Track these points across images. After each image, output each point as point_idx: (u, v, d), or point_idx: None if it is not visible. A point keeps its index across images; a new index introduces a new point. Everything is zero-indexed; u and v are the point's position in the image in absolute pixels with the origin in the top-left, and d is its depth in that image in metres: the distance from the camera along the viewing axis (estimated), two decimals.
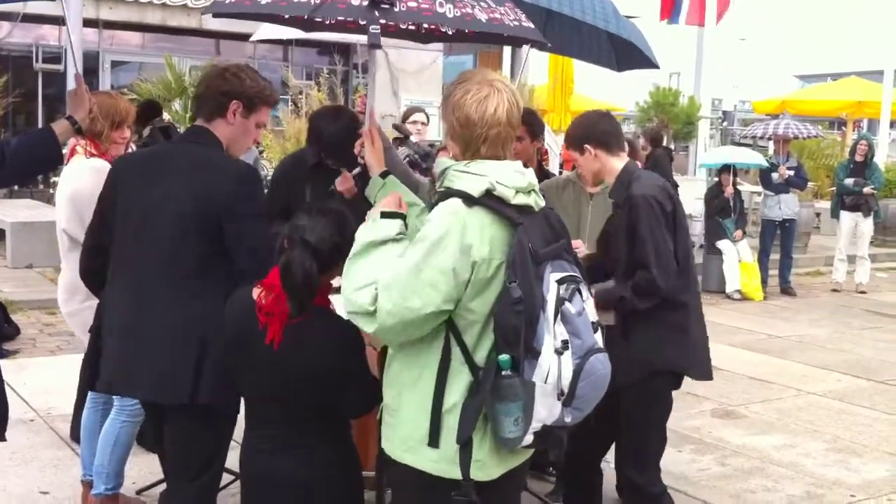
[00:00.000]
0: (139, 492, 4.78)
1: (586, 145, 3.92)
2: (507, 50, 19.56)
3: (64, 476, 5.06)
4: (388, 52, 20.33)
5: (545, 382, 2.44)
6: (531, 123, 4.97)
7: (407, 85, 20.31)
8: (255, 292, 2.88)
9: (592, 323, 2.57)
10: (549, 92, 17.30)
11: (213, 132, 3.32)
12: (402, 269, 2.48)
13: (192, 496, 3.25)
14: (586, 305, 2.58)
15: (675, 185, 11.53)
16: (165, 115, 4.38)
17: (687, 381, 4.05)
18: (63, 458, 5.32)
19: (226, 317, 2.95)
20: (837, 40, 39.58)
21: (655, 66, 5.11)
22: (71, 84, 9.02)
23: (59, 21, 16.67)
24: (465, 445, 2.51)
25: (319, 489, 2.84)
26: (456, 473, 2.54)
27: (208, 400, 3.11)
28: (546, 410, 2.47)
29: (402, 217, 2.69)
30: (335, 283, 2.83)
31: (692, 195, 14.12)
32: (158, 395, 3.23)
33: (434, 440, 2.53)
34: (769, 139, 13.28)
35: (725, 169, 11.98)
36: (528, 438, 2.51)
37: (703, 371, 3.98)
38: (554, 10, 4.50)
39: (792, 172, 11.90)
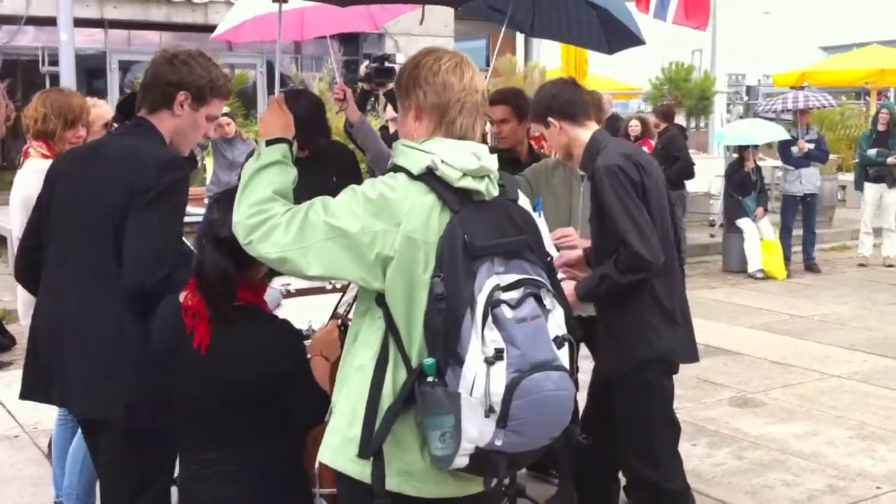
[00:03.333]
0: None
1: (549, 118, 3.64)
2: (520, 34, 19.26)
3: (43, 496, 4.83)
4: (398, 39, 20.08)
5: (470, 395, 2.13)
6: (517, 105, 4.69)
7: None
8: (183, 295, 2.60)
9: (557, 338, 2.24)
10: (563, 74, 17.00)
11: (153, 124, 3.04)
12: (309, 215, 2.29)
13: None
14: (551, 316, 2.25)
15: (692, 164, 11.23)
16: None
17: (704, 369, 3.75)
18: (44, 477, 5.07)
19: (154, 324, 2.68)
20: (861, 10, 38.63)
21: (642, 43, 4.82)
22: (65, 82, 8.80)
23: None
24: (376, 454, 2.24)
25: None
26: (388, 484, 2.27)
27: (142, 423, 2.84)
28: (476, 430, 2.13)
29: (287, 141, 2.53)
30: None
31: (712, 172, 13.77)
32: (84, 408, 2.99)
33: (365, 444, 2.26)
34: (789, 111, 12.84)
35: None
36: (462, 461, 2.18)
37: (690, 353, 3.69)
38: None
39: (812, 145, 11.49)
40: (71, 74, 10.03)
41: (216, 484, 2.60)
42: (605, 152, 3.50)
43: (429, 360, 2.17)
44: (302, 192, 2.50)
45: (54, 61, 16.96)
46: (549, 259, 2.40)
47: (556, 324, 2.26)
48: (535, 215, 4.30)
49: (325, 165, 4.53)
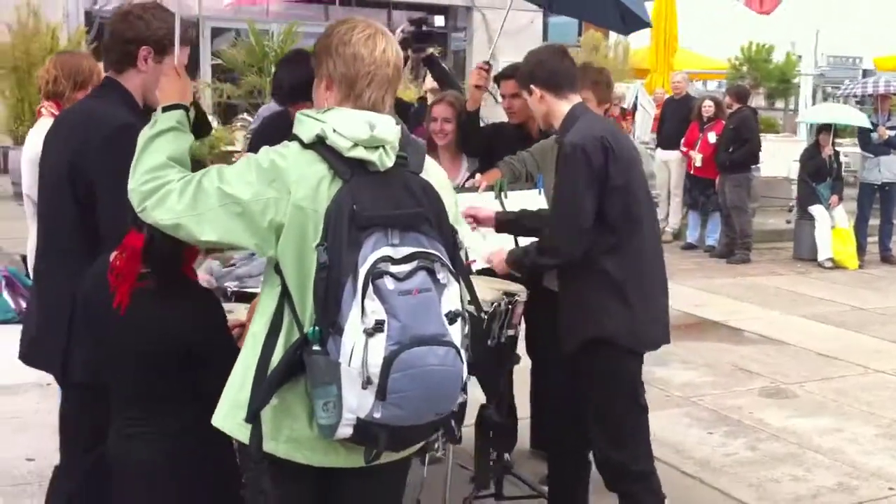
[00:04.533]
0: None
1: (532, 85, 3.58)
2: None
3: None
4: (486, 13, 19.98)
5: (349, 365, 2.12)
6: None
7: (505, 46, 19.69)
8: (113, 254, 2.65)
9: (449, 313, 2.21)
10: (651, 52, 16.74)
11: (122, 84, 3.05)
12: (203, 182, 2.30)
13: (91, 470, 3.04)
14: (446, 290, 2.22)
15: (757, 146, 10.92)
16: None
17: (742, 357, 3.65)
18: None
19: (84, 284, 2.74)
20: None
21: (648, 25, 4.71)
22: None
23: None
24: (255, 419, 2.25)
25: (170, 475, 2.62)
26: (273, 448, 2.29)
27: (82, 378, 2.92)
28: (356, 400, 2.13)
29: (184, 107, 2.53)
30: None
31: (793, 156, 13.35)
32: (32, 360, 3.09)
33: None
34: (868, 97, 12.33)
35: (825, 128, 11.21)
36: (346, 431, 2.17)
37: (644, 341, 3.58)
38: None
39: (893, 133, 11.02)
40: None
41: (138, 443, 2.66)
42: (575, 129, 3.44)
43: (314, 329, 2.18)
44: None
45: None
46: (454, 234, 2.37)
47: (450, 299, 2.23)
48: (535, 192, 4.30)
49: None
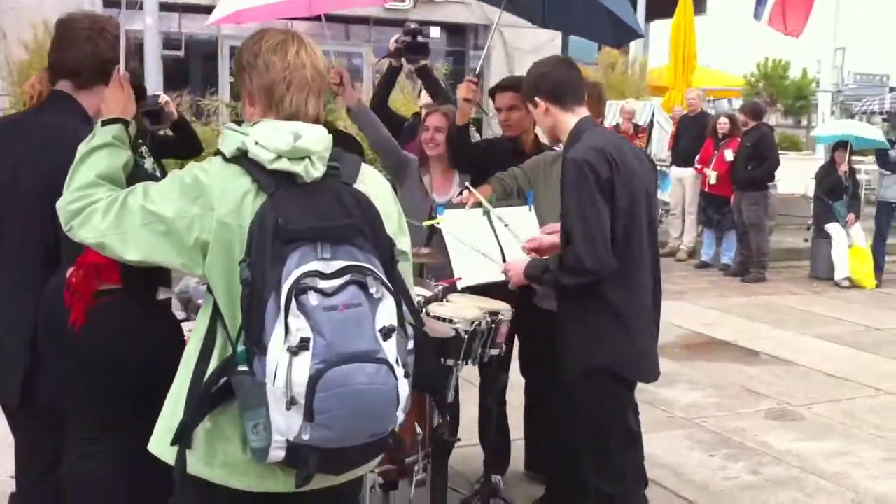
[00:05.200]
0: None
1: (536, 97, 3.47)
2: None
3: None
4: (504, 31, 19.93)
5: (273, 385, 2.04)
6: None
7: (523, 64, 19.63)
8: (70, 270, 2.60)
9: (383, 328, 2.12)
10: (670, 70, 16.65)
11: (77, 101, 3.02)
12: (128, 200, 2.26)
13: (47, 497, 2.99)
14: (381, 305, 2.14)
15: (776, 163, 10.79)
16: (162, 97, 4.00)
17: (750, 377, 3.55)
18: None
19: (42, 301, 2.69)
20: None
21: (640, 36, 4.62)
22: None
23: (177, 8, 17.03)
24: (182, 442, 2.19)
25: (128, 495, 2.57)
26: (208, 473, 2.22)
27: (45, 403, 2.85)
28: (283, 421, 2.05)
29: (124, 122, 2.52)
30: None
31: (811, 174, 13.19)
32: None
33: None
34: (886, 113, 12.15)
35: (841, 145, 11.05)
36: (278, 454, 2.09)
37: (643, 371, 3.48)
38: None
39: None
40: (155, 58, 10.29)
41: (96, 463, 2.61)
42: (580, 142, 3.33)
43: (241, 348, 2.11)
44: None
45: (170, 45, 17.57)
46: (390, 246, 2.29)
47: (385, 314, 2.14)
48: (525, 209, 4.21)
49: None
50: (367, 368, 2.07)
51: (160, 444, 2.29)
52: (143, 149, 3.39)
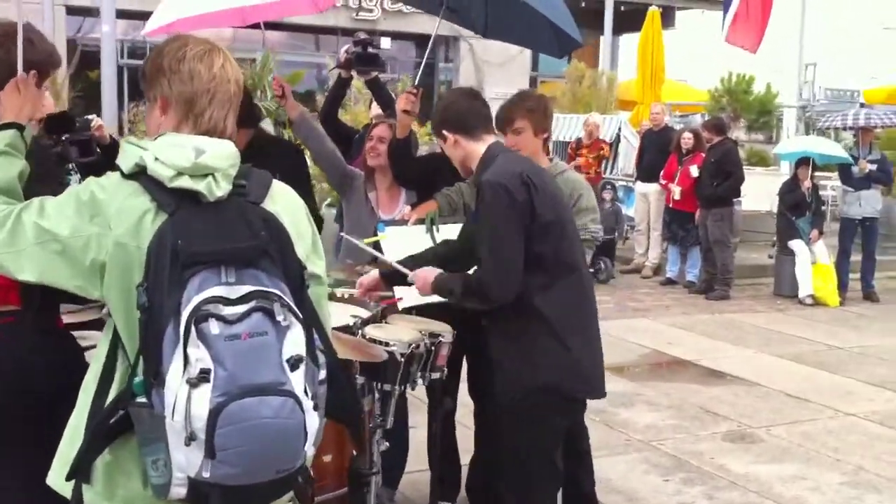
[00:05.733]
0: None
1: (443, 130, 3.40)
2: (605, 42, 18.88)
3: None
4: (473, 44, 19.89)
5: (172, 419, 1.88)
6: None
7: (493, 76, 19.71)
8: None
9: (290, 358, 1.95)
10: (637, 84, 16.62)
11: None
12: (22, 216, 2.10)
13: None
14: (289, 333, 1.97)
15: (741, 179, 10.73)
16: (95, 121, 3.70)
17: (709, 398, 3.41)
18: None
19: None
20: None
21: (580, 45, 4.52)
22: None
23: (144, 17, 16.73)
24: (76, 471, 2.03)
25: None
26: None
27: None
28: (184, 457, 1.88)
29: (18, 127, 2.37)
30: None
31: (775, 189, 13.16)
32: None
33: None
34: (850, 129, 12.12)
35: (804, 161, 11.00)
36: (179, 491, 1.92)
37: (589, 387, 3.35)
38: None
39: (874, 166, 10.82)
40: (112, 65, 10.09)
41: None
42: (494, 166, 3.26)
43: (138, 378, 1.95)
44: None
45: (134, 54, 17.32)
46: (300, 269, 2.13)
47: (293, 343, 1.98)
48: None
49: (264, 163, 4.27)
50: (271, 401, 1.90)
51: (58, 477, 2.12)
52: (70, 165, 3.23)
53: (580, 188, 4.27)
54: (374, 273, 3.64)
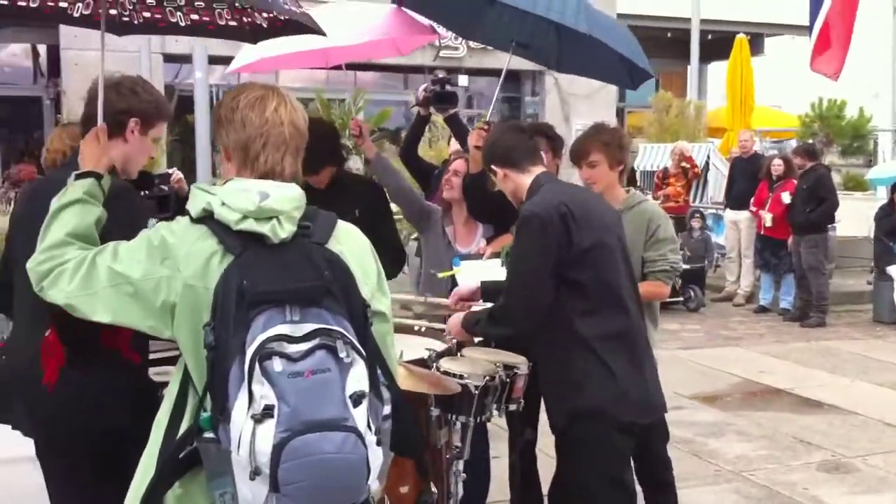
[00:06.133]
0: None
1: (493, 166, 3.53)
2: (692, 70, 18.77)
3: None
4: (558, 78, 19.90)
5: (238, 454, 1.95)
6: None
7: (579, 109, 19.71)
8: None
9: (353, 394, 2.01)
10: (727, 111, 16.44)
11: None
12: (96, 260, 2.22)
13: None
14: (352, 370, 2.03)
15: (835, 205, 10.50)
16: (175, 175, 3.78)
17: (803, 427, 3.39)
18: None
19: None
20: None
21: (651, 76, 4.54)
22: None
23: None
24: (147, 502, 2.11)
25: None
26: None
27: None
28: (249, 491, 1.95)
29: (96, 175, 2.52)
30: None
31: (871, 214, 12.83)
32: None
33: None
34: None
35: None
36: None
37: (638, 410, 3.35)
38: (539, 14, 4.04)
39: None
40: (205, 111, 10.41)
41: None
42: (537, 196, 3.36)
43: (205, 414, 2.04)
44: None
45: None
46: (363, 307, 2.20)
47: (356, 379, 2.04)
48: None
49: (346, 199, 4.39)
50: (333, 437, 1.96)
51: None
52: None
53: (658, 219, 4.25)
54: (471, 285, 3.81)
